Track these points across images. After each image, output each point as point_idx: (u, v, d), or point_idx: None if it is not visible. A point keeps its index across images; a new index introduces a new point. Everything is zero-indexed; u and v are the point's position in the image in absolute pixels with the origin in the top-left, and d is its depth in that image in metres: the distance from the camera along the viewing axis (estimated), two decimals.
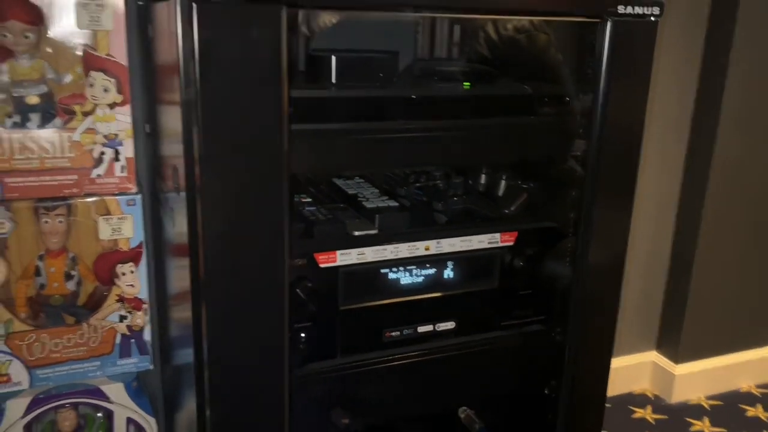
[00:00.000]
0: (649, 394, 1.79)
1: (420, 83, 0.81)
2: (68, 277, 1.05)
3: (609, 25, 0.75)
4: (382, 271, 0.78)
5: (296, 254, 0.73)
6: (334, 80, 0.74)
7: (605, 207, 0.84)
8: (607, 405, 1.73)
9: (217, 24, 0.54)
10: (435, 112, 0.76)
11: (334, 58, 0.74)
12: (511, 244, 0.85)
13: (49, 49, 0.96)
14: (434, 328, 0.83)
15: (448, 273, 0.82)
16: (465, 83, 0.78)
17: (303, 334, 0.76)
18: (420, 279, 0.81)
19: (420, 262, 0.80)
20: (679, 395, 1.76)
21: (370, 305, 0.79)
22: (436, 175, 0.88)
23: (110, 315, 1.06)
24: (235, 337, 0.64)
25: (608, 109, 0.79)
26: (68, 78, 0.97)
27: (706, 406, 1.74)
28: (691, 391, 1.77)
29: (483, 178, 0.91)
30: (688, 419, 1.69)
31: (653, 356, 1.81)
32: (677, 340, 1.75)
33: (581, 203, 0.83)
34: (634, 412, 1.72)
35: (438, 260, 0.81)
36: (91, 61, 0.95)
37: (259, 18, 0.55)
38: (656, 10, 0.76)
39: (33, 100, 0.96)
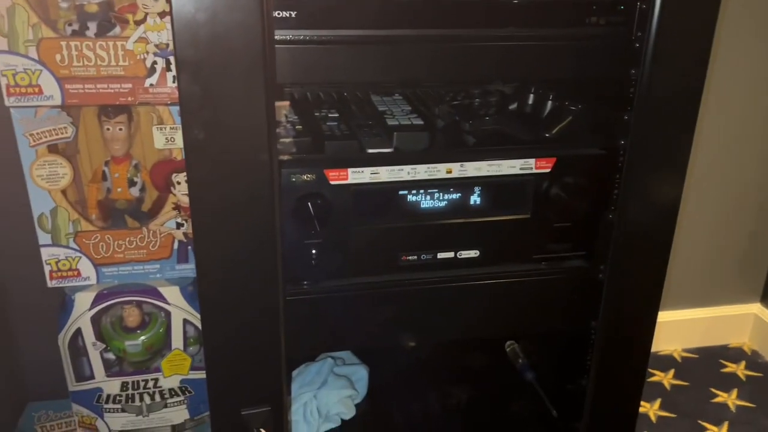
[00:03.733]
0: (746, 350, 1.65)
1: None
2: (131, 183, 1.10)
3: None
4: (399, 192, 0.75)
5: (305, 169, 0.71)
6: None
7: (659, 134, 0.74)
8: (695, 356, 1.61)
9: None
10: (461, 19, 0.69)
11: None
12: (547, 170, 0.77)
13: None
14: (456, 255, 0.78)
15: (474, 199, 0.77)
16: None
17: (314, 251, 0.75)
18: (441, 203, 0.76)
19: (441, 185, 0.75)
20: None
21: (385, 227, 0.76)
22: (475, 92, 0.81)
23: (168, 222, 1.11)
24: (220, 248, 0.64)
25: (666, 18, 0.68)
26: None
27: None
28: None
29: (530, 99, 0.83)
30: None
31: (756, 309, 1.65)
32: None
33: (632, 128, 0.74)
34: (725, 366, 1.59)
35: (461, 184, 0.76)
36: None
37: None
38: None
39: (92, 8, 0.98)
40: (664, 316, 1.58)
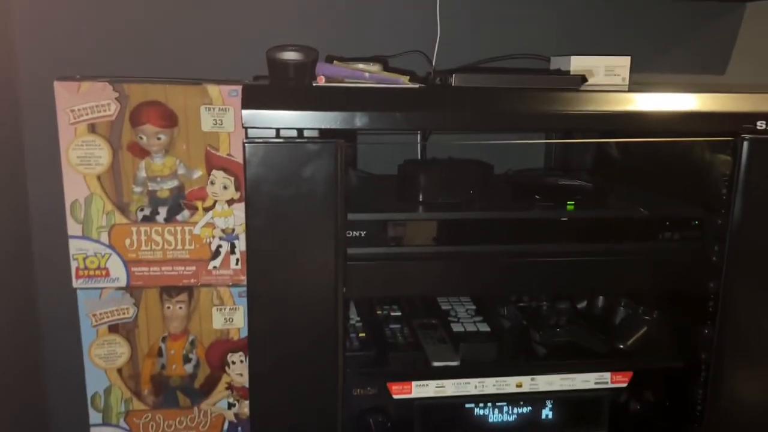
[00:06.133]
0: None
1: (512, 201, 0.74)
2: (186, 359, 1.09)
3: (745, 144, 0.63)
4: (466, 406, 0.71)
5: (367, 382, 0.68)
6: (420, 198, 0.70)
7: (745, 348, 0.69)
8: None
9: (265, 161, 0.52)
10: (527, 235, 0.68)
11: (422, 175, 0.70)
12: (624, 385, 0.73)
13: (183, 146, 1.02)
14: None
15: (546, 413, 0.72)
16: (569, 203, 0.70)
17: None
18: (510, 418, 0.72)
19: (510, 400, 0.71)
20: None
21: None
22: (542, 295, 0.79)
23: (220, 401, 1.08)
24: None
25: (743, 237, 0.65)
26: (198, 174, 1.03)
27: None
28: None
29: (600, 302, 0.80)
30: None
31: None
32: None
33: (713, 343, 0.70)
34: None
35: (532, 399, 0.72)
36: (213, 160, 1.00)
37: (312, 154, 0.53)
38: None
39: (164, 194, 1.02)
40: None
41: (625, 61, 0.82)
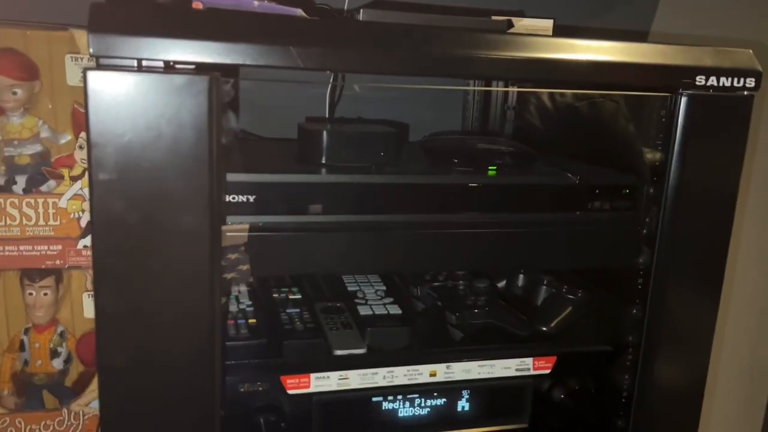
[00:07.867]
0: None
1: (427, 166, 0.65)
2: (54, 354, 0.95)
3: (683, 100, 0.57)
4: (373, 399, 0.62)
5: (257, 376, 0.58)
6: (324, 160, 0.60)
7: (672, 332, 0.64)
8: None
9: (114, 96, 0.40)
10: (443, 204, 0.59)
11: (324, 134, 0.59)
12: (548, 371, 0.66)
13: (48, 105, 0.87)
14: None
15: (462, 405, 0.65)
16: (490, 168, 0.61)
17: None
18: (423, 412, 0.63)
19: (423, 391, 0.63)
20: None
21: None
22: (459, 273, 0.71)
23: (94, 401, 0.94)
24: None
25: (679, 206, 0.60)
26: (66, 138, 0.88)
27: None
28: None
29: (520, 281, 0.73)
30: None
31: None
32: None
33: (644, 324, 0.64)
34: None
35: (448, 390, 0.64)
36: (82, 121, 0.86)
37: (177, 89, 0.42)
38: (751, 82, 0.57)
39: (24, 160, 0.87)
40: None
41: (547, 23, 0.76)
